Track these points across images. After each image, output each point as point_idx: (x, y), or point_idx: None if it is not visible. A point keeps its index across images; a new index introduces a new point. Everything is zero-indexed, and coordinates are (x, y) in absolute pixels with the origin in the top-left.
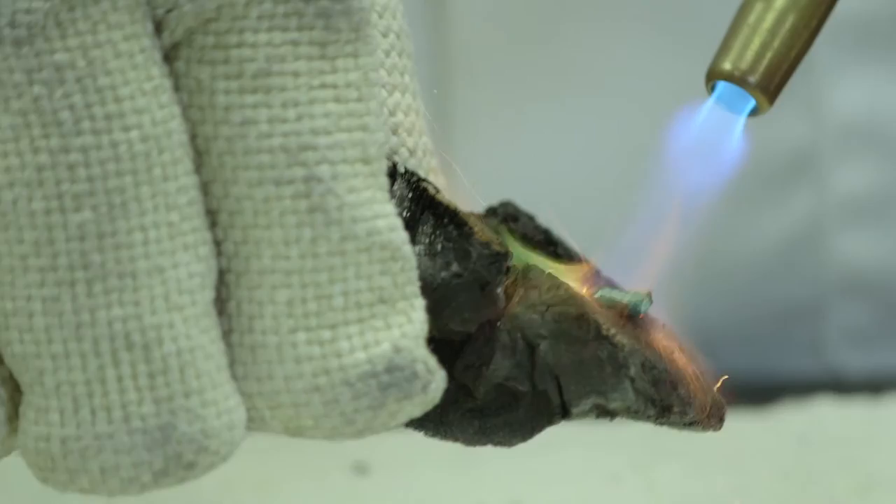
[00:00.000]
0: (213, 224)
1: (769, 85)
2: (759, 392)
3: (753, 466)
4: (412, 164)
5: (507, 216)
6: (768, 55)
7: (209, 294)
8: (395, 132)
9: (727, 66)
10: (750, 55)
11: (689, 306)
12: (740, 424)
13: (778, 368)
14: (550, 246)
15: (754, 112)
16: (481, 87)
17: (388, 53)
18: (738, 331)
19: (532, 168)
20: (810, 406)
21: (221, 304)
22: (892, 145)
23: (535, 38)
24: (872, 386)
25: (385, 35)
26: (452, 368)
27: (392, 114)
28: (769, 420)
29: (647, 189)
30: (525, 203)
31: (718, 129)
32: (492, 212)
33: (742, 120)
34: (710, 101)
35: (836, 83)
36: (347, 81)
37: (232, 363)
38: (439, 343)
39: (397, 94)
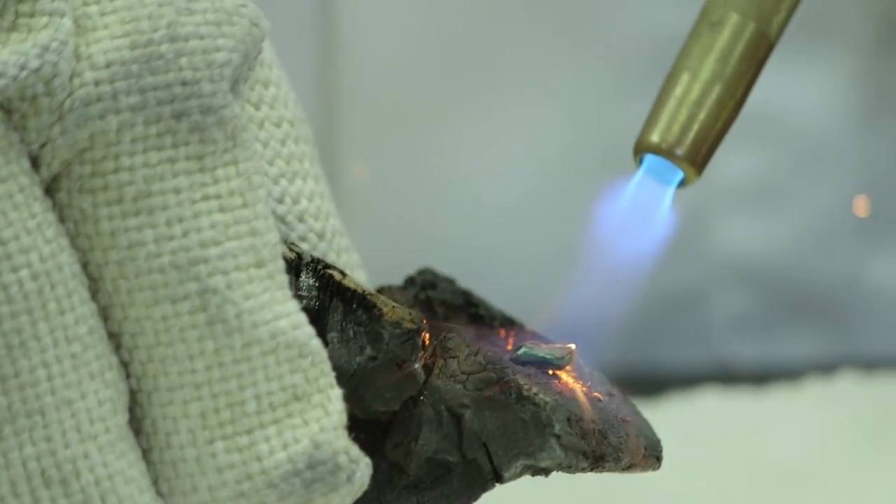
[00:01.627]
0: (117, 346)
1: (696, 157)
2: (644, 383)
3: None
4: (322, 249)
5: (426, 284)
6: (695, 127)
7: (122, 418)
8: (301, 219)
9: (655, 138)
10: (677, 128)
11: (570, 296)
12: None
13: (663, 359)
14: (471, 308)
15: (682, 183)
16: (370, 133)
17: (283, 143)
18: (622, 320)
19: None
20: (696, 397)
21: (137, 423)
22: (776, 133)
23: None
24: (758, 376)
25: (278, 125)
26: (382, 447)
27: (296, 202)
28: (655, 412)
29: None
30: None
31: (648, 200)
32: (410, 281)
33: (671, 191)
34: (640, 173)
35: None
36: (230, 189)
37: (156, 480)
38: (366, 424)
39: (299, 182)
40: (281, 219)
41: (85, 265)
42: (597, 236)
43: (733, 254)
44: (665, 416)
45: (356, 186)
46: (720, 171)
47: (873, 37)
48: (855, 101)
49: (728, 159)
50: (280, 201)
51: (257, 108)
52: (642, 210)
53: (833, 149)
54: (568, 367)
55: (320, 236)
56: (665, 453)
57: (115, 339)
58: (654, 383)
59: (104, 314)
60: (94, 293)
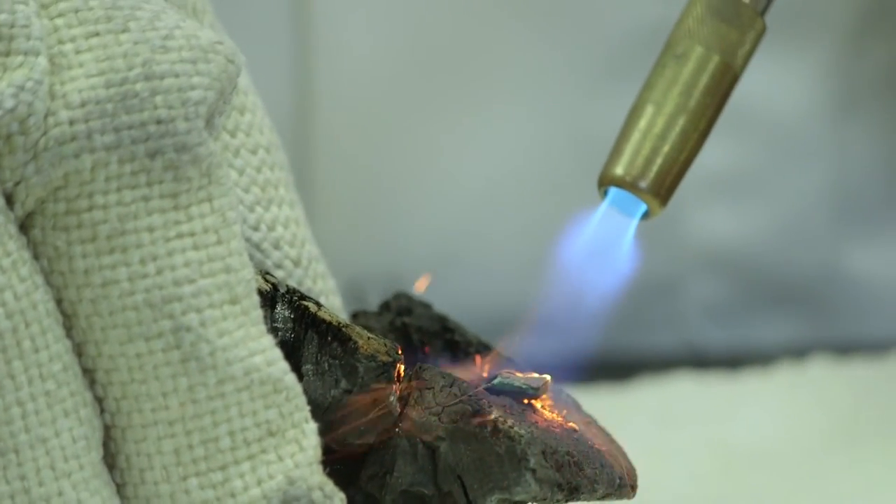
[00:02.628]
0: (91, 382)
1: (660, 189)
2: (617, 368)
3: None
4: (298, 275)
5: (401, 309)
6: (658, 160)
7: (96, 454)
8: (276, 246)
9: (619, 171)
10: (641, 160)
11: (547, 281)
12: (599, 401)
13: (636, 344)
14: (447, 333)
15: (646, 215)
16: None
17: (259, 170)
18: (599, 314)
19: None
20: (669, 381)
21: (112, 458)
22: (752, 123)
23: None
24: (731, 361)
25: (254, 152)
26: (357, 479)
27: (272, 228)
28: (629, 396)
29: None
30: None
31: (612, 233)
32: (385, 306)
33: (635, 223)
34: (604, 206)
35: None
36: (204, 227)
37: None
38: (341, 456)
39: (274, 208)
40: (256, 246)
41: (59, 302)
42: (562, 266)
43: (708, 242)
44: (638, 401)
45: (331, 182)
46: (697, 163)
47: (849, 27)
48: (831, 92)
49: (705, 151)
50: (256, 228)
51: (233, 135)
52: (606, 242)
53: (809, 139)
54: (543, 397)
55: (296, 263)
56: (638, 437)
57: (89, 375)
58: (628, 368)
59: (78, 350)
60: (69, 330)
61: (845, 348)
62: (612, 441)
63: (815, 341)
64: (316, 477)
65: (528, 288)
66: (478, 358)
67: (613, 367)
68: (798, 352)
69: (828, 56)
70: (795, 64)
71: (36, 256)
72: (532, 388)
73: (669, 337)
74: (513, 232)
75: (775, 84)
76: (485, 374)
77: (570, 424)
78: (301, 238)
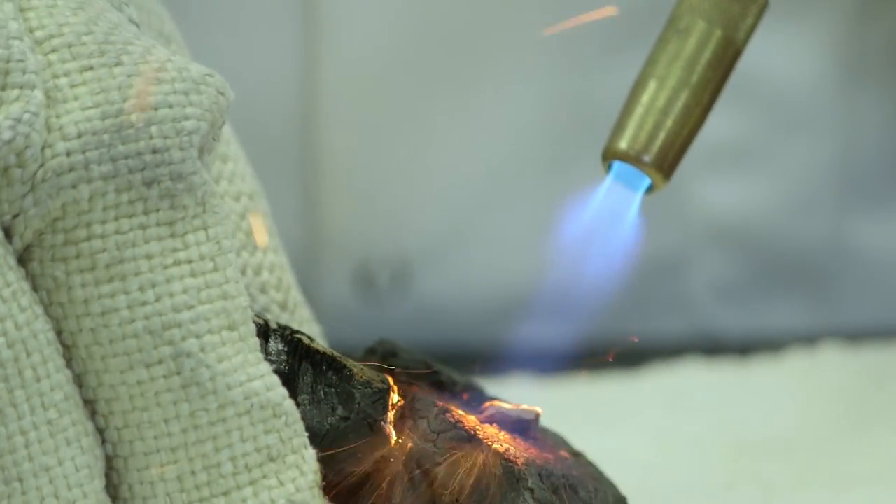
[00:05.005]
0: (92, 413)
1: (663, 163)
2: (626, 354)
3: (623, 429)
4: (285, 319)
5: (386, 353)
6: (661, 134)
7: (99, 483)
8: (263, 291)
9: (622, 145)
10: (644, 135)
11: (553, 258)
12: (609, 386)
13: (645, 329)
14: (433, 375)
15: (650, 189)
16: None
17: (243, 216)
18: (602, 296)
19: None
20: (679, 368)
21: (114, 488)
22: (758, 97)
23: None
24: (741, 347)
25: (237, 199)
26: None
27: (258, 273)
28: (638, 383)
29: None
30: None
31: (616, 206)
32: (371, 351)
33: (639, 197)
34: (608, 180)
35: None
36: (201, 254)
37: None
38: (339, 484)
39: (259, 254)
40: None
41: (59, 333)
42: (566, 241)
43: (715, 219)
44: (649, 387)
45: (338, 164)
46: (701, 135)
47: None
48: (837, 64)
49: (709, 123)
50: (242, 273)
51: (216, 182)
52: (611, 215)
53: (815, 112)
54: (532, 431)
55: (282, 307)
56: (649, 424)
57: (89, 406)
58: (637, 354)
59: (78, 382)
60: (69, 361)
61: (856, 334)
62: (601, 473)
63: (826, 327)
64: (317, 501)
65: (537, 265)
66: (465, 396)
67: (623, 353)
68: (809, 338)
69: (835, 27)
70: (802, 36)
71: (34, 289)
72: (523, 420)
73: (679, 321)
74: (521, 209)
75: (782, 56)
76: (474, 410)
77: (562, 452)
78: (286, 283)
